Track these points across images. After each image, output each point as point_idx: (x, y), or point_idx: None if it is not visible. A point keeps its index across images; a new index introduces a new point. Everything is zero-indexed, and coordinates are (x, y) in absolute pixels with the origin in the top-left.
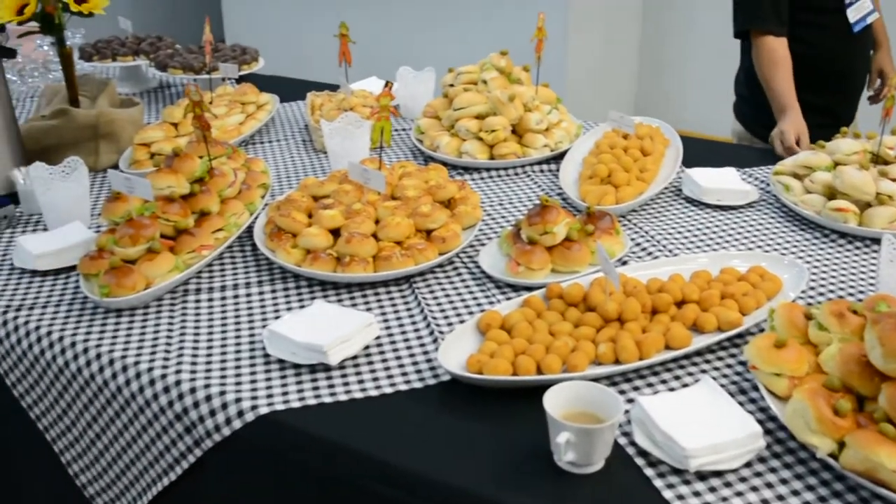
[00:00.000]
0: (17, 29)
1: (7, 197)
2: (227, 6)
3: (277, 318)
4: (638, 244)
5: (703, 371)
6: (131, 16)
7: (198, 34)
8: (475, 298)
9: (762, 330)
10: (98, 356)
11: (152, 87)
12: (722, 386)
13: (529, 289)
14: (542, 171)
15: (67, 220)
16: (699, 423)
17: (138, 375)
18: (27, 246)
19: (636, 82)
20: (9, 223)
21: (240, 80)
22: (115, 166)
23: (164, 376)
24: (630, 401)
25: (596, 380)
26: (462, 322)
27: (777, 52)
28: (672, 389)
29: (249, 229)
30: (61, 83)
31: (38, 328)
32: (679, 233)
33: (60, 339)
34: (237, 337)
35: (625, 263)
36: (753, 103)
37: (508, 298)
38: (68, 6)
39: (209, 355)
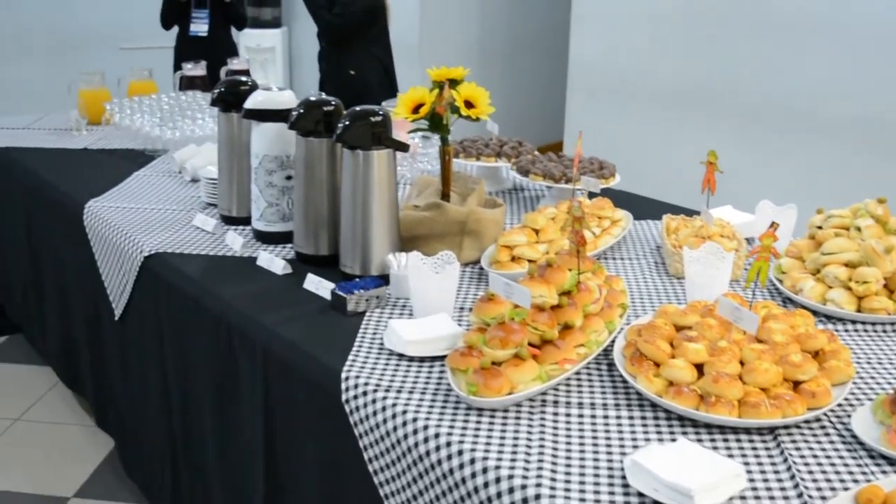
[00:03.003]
0: (402, 124)
1: (380, 278)
2: (569, 114)
3: (635, 446)
4: None
5: None
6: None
7: (536, 135)
8: (846, 465)
9: None
10: (460, 452)
11: (507, 188)
12: None
13: None
14: None
15: (434, 309)
16: None
17: (498, 480)
18: (399, 330)
19: None
20: (378, 303)
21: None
22: (475, 262)
23: (524, 486)
24: None
25: None
26: (832, 489)
27: None
28: None
29: (607, 349)
30: (433, 176)
31: (404, 412)
32: None
33: (425, 427)
34: (595, 459)
35: None
36: None
37: (883, 471)
38: (458, 109)
39: (568, 473)
